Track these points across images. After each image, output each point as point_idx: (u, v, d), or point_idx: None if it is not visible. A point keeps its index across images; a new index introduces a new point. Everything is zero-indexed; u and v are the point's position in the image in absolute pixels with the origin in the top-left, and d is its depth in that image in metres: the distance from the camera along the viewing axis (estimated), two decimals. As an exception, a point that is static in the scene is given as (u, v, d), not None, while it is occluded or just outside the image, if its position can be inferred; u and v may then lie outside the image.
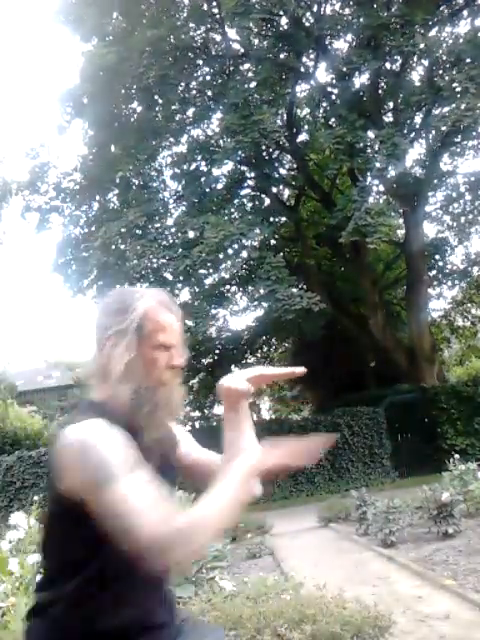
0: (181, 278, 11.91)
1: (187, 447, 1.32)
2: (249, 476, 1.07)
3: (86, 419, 1.05)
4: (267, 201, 14.93)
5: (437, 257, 14.90)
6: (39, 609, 1.11)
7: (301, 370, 1.25)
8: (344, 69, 11.73)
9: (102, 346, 1.15)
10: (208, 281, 12.81)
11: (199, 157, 13.61)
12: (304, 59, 13.62)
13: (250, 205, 14.49)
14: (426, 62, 12.45)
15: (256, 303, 13.57)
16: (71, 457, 1.01)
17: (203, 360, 14.13)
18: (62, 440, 1.04)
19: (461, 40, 12.15)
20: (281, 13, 12.53)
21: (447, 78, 11.36)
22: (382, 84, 13.06)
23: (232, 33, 13.51)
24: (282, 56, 13.32)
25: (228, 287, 14.51)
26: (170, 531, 0.95)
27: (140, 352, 1.14)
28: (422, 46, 11.03)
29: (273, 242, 14.25)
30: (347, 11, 13.33)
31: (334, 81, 13.03)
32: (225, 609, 2.65)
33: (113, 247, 12.14)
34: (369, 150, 11.35)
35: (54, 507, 1.09)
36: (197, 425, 14.68)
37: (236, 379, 1.22)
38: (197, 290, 12.36)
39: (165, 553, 0.96)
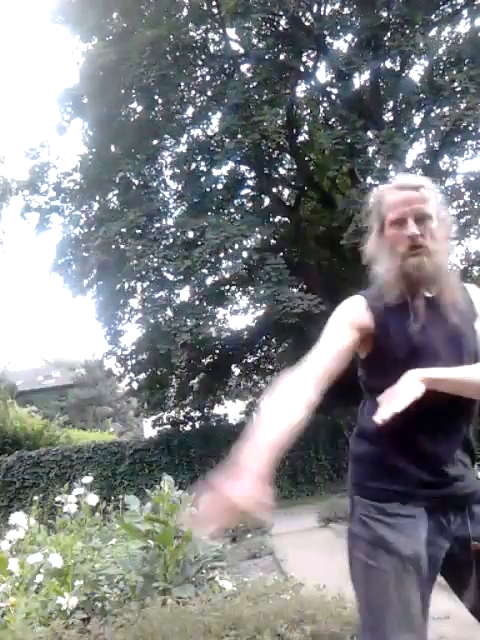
0: (181, 278, 11.90)
1: None
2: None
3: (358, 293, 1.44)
4: (267, 201, 14.91)
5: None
6: None
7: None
8: (344, 69, 11.71)
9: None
10: (208, 281, 12.80)
11: (199, 157, 13.60)
12: (304, 59, 13.61)
13: (250, 205, 14.48)
14: (426, 62, 12.44)
15: (257, 305, 13.56)
16: None
17: (203, 360, 14.12)
18: None
19: (461, 40, 12.16)
20: (281, 13, 12.53)
21: (447, 78, 11.35)
22: (382, 84, 13.05)
23: (232, 33, 13.50)
24: (282, 56, 13.32)
25: (228, 287, 14.51)
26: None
27: (384, 234, 1.39)
28: (422, 46, 11.02)
29: (273, 242, 14.25)
30: (347, 11, 13.32)
31: (334, 81, 13.03)
32: (225, 609, 2.65)
33: (113, 247, 12.13)
34: (369, 150, 11.35)
35: None
36: (197, 425, 14.66)
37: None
38: (197, 290, 12.35)
39: None
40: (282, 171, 15.51)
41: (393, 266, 1.35)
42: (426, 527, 1.34)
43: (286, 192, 16.32)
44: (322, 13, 12.97)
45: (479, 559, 1.33)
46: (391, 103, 13.48)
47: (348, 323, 1.36)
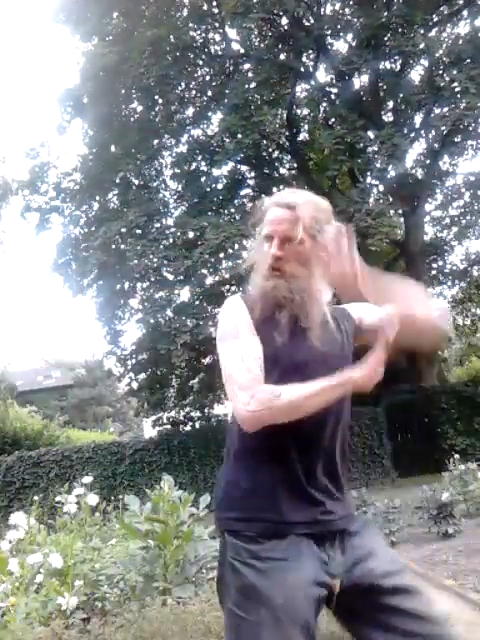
0: (181, 278, 11.91)
1: (362, 316, 1.44)
2: (343, 385, 1.24)
3: (234, 296, 1.40)
4: (267, 201, 14.90)
5: (437, 257, 14.91)
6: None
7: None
8: (344, 69, 11.72)
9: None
10: (208, 281, 12.79)
11: (199, 157, 13.61)
12: (304, 59, 13.62)
13: (250, 205, 14.48)
14: (426, 62, 12.45)
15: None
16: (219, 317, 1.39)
17: (203, 360, 14.11)
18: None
19: (461, 40, 12.15)
20: (281, 13, 12.53)
21: (447, 78, 11.35)
22: (382, 84, 13.06)
23: (232, 33, 13.51)
24: (282, 56, 13.33)
25: (228, 287, 14.51)
26: (256, 404, 1.20)
27: (260, 247, 1.37)
28: (422, 46, 11.03)
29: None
30: (347, 11, 13.34)
31: (334, 81, 13.04)
32: (225, 609, 2.65)
33: (113, 247, 12.13)
34: (369, 150, 11.35)
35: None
36: (197, 425, 14.65)
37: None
38: (197, 290, 12.35)
39: (255, 419, 1.21)
40: (282, 171, 15.51)
41: (257, 283, 1.34)
42: (312, 564, 1.23)
43: (286, 192, 16.32)
44: (322, 13, 12.98)
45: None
46: (391, 103, 13.50)
47: (250, 327, 1.31)
